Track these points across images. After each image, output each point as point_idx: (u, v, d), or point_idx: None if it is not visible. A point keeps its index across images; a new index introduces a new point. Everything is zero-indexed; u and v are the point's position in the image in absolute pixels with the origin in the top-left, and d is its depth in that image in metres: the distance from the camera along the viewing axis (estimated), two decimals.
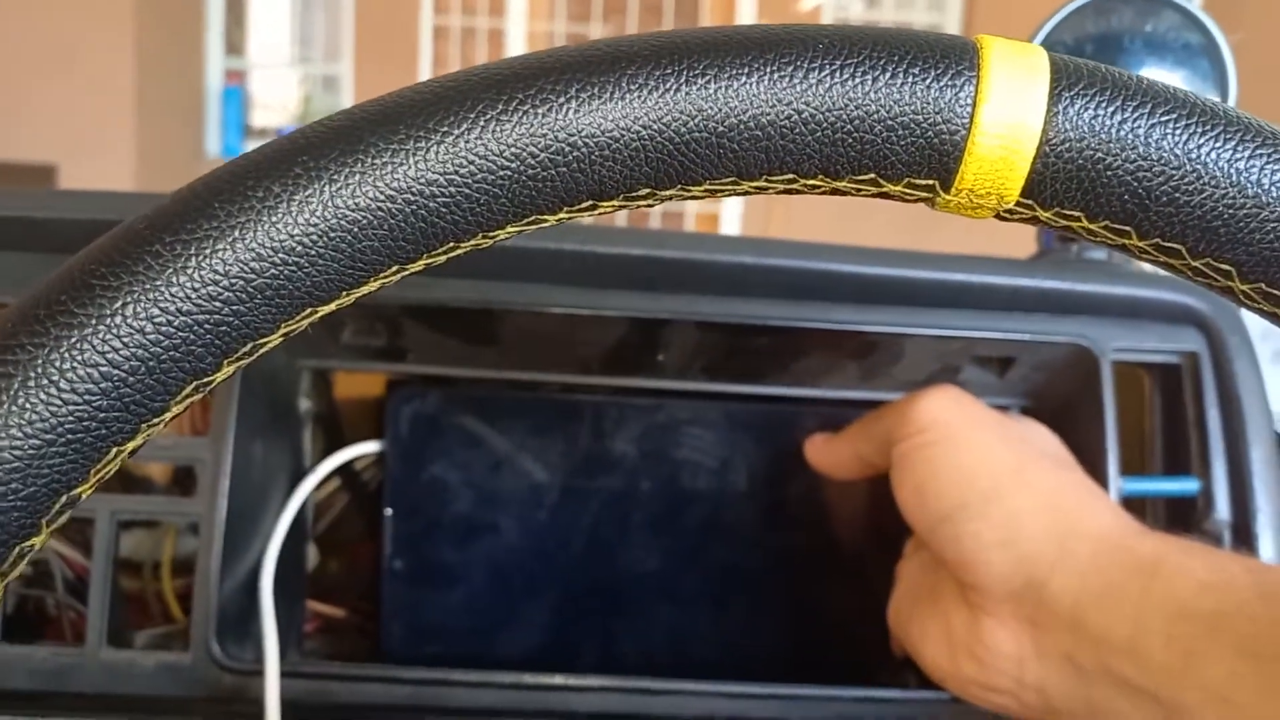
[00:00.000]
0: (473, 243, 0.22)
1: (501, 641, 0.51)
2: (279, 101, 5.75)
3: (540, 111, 0.21)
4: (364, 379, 0.55)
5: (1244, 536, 0.48)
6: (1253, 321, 0.51)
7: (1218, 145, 0.21)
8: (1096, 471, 0.47)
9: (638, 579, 0.52)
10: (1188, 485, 0.49)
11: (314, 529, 0.54)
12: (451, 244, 0.22)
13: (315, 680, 0.45)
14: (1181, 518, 0.50)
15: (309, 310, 0.21)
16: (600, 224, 0.49)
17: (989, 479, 0.42)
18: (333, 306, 0.22)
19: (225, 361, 0.21)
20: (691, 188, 0.22)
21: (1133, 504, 0.49)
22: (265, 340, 0.21)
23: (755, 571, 0.53)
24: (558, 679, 0.46)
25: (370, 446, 0.51)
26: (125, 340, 0.20)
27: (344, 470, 0.53)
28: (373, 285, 0.22)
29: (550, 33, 5.73)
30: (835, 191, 0.23)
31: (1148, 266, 0.52)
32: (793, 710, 0.47)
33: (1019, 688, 0.41)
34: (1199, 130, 0.21)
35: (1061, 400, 0.52)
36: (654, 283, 0.47)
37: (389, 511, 0.50)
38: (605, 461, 0.51)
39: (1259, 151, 0.21)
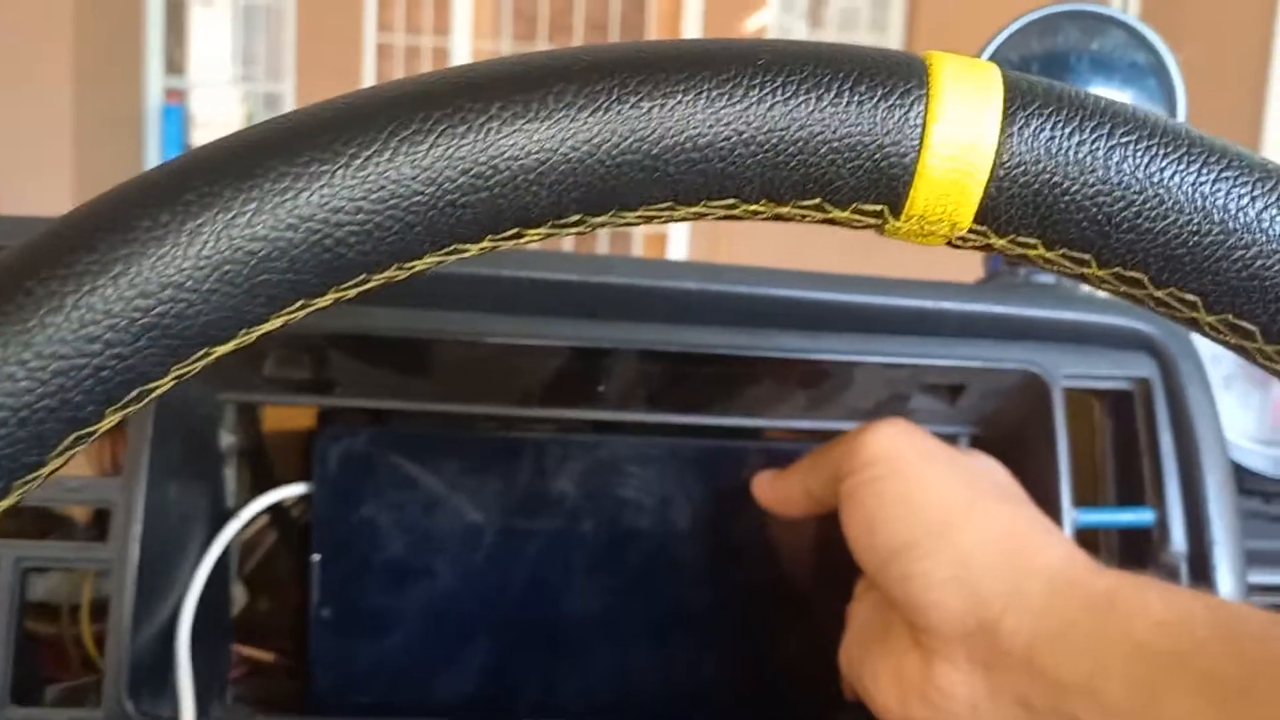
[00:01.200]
0: (386, 275, 0.20)
1: (439, 688, 0.49)
2: (220, 120, 5.70)
3: (459, 131, 0.19)
4: (296, 412, 0.52)
5: (1201, 568, 0.47)
6: (1203, 346, 0.51)
7: (1182, 168, 0.20)
8: (1049, 502, 0.46)
9: (581, 622, 0.50)
10: (1142, 516, 0.48)
11: (242, 567, 0.52)
12: (363, 276, 0.20)
13: None
14: (1136, 550, 0.49)
15: (203, 351, 0.19)
16: (539, 248, 0.47)
17: (939, 514, 0.41)
18: (230, 346, 0.20)
19: (108, 410, 0.19)
20: (625, 213, 0.21)
21: (1086, 536, 0.48)
22: (154, 385, 0.19)
23: (703, 612, 0.51)
24: None
25: (297, 489, 0.49)
26: None
27: (273, 506, 0.51)
28: (275, 322, 0.20)
29: (496, 51, 5.73)
30: (778, 218, 0.21)
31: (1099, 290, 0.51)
32: None
33: None
34: (1162, 152, 0.20)
35: (1012, 428, 0.51)
36: (595, 310, 0.46)
37: (316, 557, 0.48)
38: (545, 500, 0.49)
39: (1225, 175, 0.20)
